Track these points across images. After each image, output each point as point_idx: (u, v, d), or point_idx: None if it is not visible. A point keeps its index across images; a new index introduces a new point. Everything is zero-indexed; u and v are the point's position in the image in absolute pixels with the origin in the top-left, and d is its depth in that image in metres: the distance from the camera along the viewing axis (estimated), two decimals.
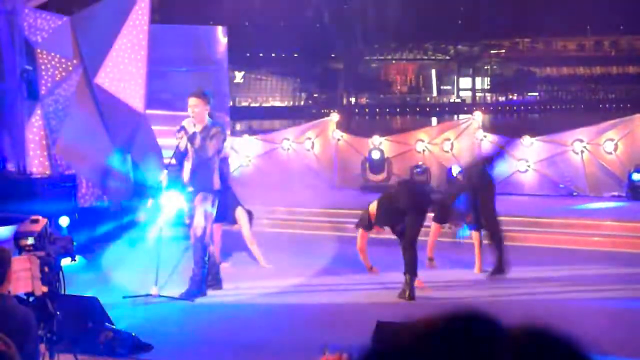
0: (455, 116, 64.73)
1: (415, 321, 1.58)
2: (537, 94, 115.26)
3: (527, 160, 17.56)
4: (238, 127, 44.24)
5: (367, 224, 10.97)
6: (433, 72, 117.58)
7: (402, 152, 18.68)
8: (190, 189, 10.57)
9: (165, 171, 10.79)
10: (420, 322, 1.57)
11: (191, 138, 10.39)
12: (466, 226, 11.82)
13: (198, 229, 10.47)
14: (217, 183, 10.63)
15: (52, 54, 15.63)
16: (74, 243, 8.65)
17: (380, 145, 18.92)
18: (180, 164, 10.81)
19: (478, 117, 18.58)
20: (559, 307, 9.88)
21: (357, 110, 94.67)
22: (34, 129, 15.36)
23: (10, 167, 14.93)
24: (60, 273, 8.06)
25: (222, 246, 13.81)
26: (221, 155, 10.99)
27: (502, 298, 10.14)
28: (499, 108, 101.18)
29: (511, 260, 12.60)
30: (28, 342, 5.01)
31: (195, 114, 10.50)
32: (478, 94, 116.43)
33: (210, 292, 10.62)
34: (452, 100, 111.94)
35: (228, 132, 18.59)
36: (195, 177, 10.51)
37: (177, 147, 10.57)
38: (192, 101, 10.59)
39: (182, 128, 10.47)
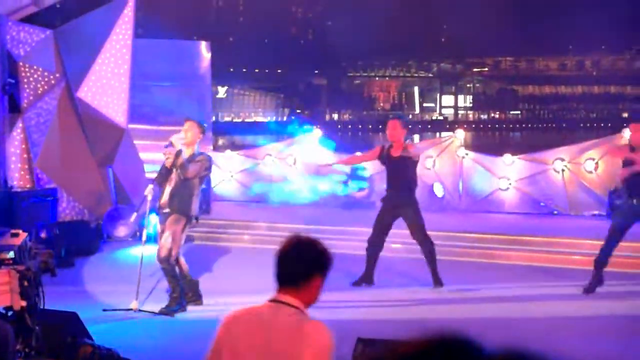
0: (438, 133, 64.92)
1: (398, 342, 1.58)
2: (519, 112, 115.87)
3: (508, 178, 17.61)
4: (220, 142, 44.23)
5: None
6: (416, 89, 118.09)
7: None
8: (167, 210, 10.50)
9: (151, 186, 10.72)
10: (402, 343, 1.56)
11: (175, 157, 10.35)
12: None
13: (162, 250, 10.35)
14: (194, 209, 10.55)
15: (35, 67, 15.60)
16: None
17: None
18: (164, 180, 10.73)
19: (460, 134, 18.61)
20: (539, 325, 9.90)
21: (339, 126, 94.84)
22: (16, 142, 15.31)
23: None
24: (40, 287, 8.02)
25: (203, 262, 13.80)
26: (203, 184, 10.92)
27: (482, 316, 10.16)
28: (481, 126, 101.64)
29: (492, 278, 12.64)
30: (5, 357, 4.98)
31: (187, 137, 10.46)
32: (460, 112, 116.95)
33: (190, 307, 10.59)
34: (434, 118, 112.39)
35: (210, 147, 18.57)
36: (174, 199, 10.45)
37: (164, 163, 10.53)
38: (187, 125, 10.56)
39: (170, 144, 10.42)
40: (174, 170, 10.43)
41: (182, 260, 10.79)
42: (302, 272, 3.95)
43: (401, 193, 11.77)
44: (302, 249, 4.00)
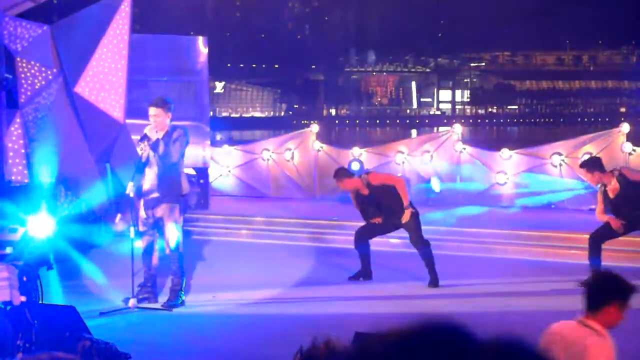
0: (435, 128, 64.90)
1: (388, 331, 1.59)
2: (516, 107, 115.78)
3: (505, 172, 17.63)
4: (218, 137, 44.06)
5: None
6: (413, 84, 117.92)
7: (381, 164, 18.72)
8: (155, 195, 10.51)
9: (132, 183, 10.68)
10: (393, 332, 1.57)
11: (154, 146, 10.39)
12: None
13: (172, 241, 10.47)
14: (185, 187, 10.63)
15: (32, 62, 15.59)
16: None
17: (360, 156, 18.95)
18: (142, 172, 10.71)
19: (458, 129, 18.64)
20: (537, 319, 9.92)
21: (337, 121, 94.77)
22: (13, 137, 15.31)
23: None
24: (38, 282, 8.03)
25: (201, 257, 13.82)
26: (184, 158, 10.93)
27: (479, 310, 10.18)
28: (479, 121, 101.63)
29: (490, 272, 12.66)
30: (6, 352, 5.00)
31: (157, 123, 10.51)
32: (458, 107, 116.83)
33: (188, 302, 10.59)
34: (432, 113, 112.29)
35: (208, 142, 18.57)
36: (162, 183, 10.47)
37: (140, 157, 10.55)
38: (152, 111, 10.59)
39: (145, 137, 10.48)
40: (153, 155, 10.45)
41: (156, 255, 10.82)
42: (599, 300, 4.87)
43: (397, 214, 11.74)
44: (601, 281, 4.97)
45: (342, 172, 12.32)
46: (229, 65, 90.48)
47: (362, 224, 12.26)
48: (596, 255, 11.62)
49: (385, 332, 1.58)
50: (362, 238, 12.05)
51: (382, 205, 11.80)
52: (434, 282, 11.66)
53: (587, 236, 13.90)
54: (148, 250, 10.67)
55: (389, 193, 11.69)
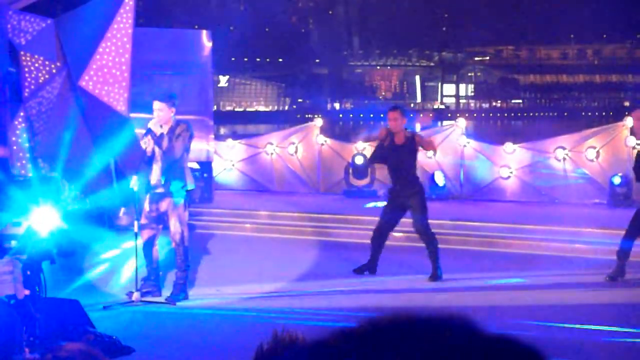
0: (439, 122, 64.81)
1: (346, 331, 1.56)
2: (520, 101, 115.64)
3: (509, 166, 17.63)
4: (222, 131, 44.15)
5: None
6: (417, 78, 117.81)
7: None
8: (160, 190, 10.54)
9: (136, 177, 10.70)
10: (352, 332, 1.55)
11: (158, 140, 10.43)
12: None
13: (177, 235, 10.48)
14: (189, 183, 10.64)
15: (36, 56, 15.57)
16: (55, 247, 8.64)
17: (363, 150, 18.95)
18: (149, 166, 10.75)
19: (462, 123, 18.64)
20: (540, 313, 9.92)
21: (341, 115, 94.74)
22: (17, 131, 15.32)
23: None
24: (42, 276, 8.04)
25: (205, 251, 13.84)
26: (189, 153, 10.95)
27: (483, 305, 10.18)
28: (483, 115, 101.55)
29: (493, 266, 12.66)
30: (14, 345, 5.01)
31: (161, 117, 10.56)
32: (462, 101, 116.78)
33: (191, 296, 10.60)
34: (436, 107, 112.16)
35: (212, 136, 18.58)
36: (167, 178, 10.50)
37: (145, 151, 10.58)
38: (157, 105, 10.66)
39: (149, 131, 10.54)
40: (157, 152, 10.50)
41: (157, 248, 10.81)
42: None
43: (407, 184, 11.75)
44: None
45: (404, 111, 12.38)
46: (233, 59, 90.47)
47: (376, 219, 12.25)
48: (629, 242, 11.50)
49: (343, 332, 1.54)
50: (378, 231, 11.99)
51: (399, 166, 11.79)
52: (437, 276, 11.65)
53: (591, 230, 13.95)
54: (148, 244, 10.68)
55: (410, 156, 11.74)
